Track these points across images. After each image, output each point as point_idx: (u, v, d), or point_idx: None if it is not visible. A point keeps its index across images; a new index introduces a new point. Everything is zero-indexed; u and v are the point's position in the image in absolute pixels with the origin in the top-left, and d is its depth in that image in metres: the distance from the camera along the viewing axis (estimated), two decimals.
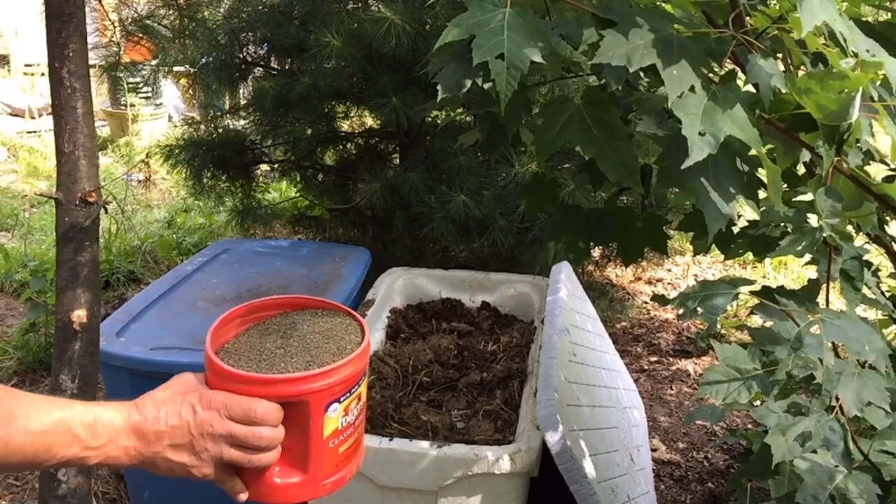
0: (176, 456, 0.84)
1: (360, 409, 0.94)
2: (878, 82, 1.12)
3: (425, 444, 1.66)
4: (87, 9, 1.58)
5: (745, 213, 1.65)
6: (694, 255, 4.10)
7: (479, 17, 1.04)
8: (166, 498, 2.07)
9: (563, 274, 2.21)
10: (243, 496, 0.90)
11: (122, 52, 3.42)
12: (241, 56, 3.33)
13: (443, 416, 1.93)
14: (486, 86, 1.03)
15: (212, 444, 0.85)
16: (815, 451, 1.19)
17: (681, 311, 1.18)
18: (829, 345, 1.12)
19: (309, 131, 3.34)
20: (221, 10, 3.41)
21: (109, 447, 0.82)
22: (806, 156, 1.27)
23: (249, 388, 0.86)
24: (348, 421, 0.92)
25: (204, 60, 3.33)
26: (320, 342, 0.94)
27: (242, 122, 3.67)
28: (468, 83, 1.05)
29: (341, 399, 0.90)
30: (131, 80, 5.64)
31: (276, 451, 0.88)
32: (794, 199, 1.45)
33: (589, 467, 1.53)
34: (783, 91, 1.09)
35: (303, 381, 0.87)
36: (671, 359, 3.22)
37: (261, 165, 3.64)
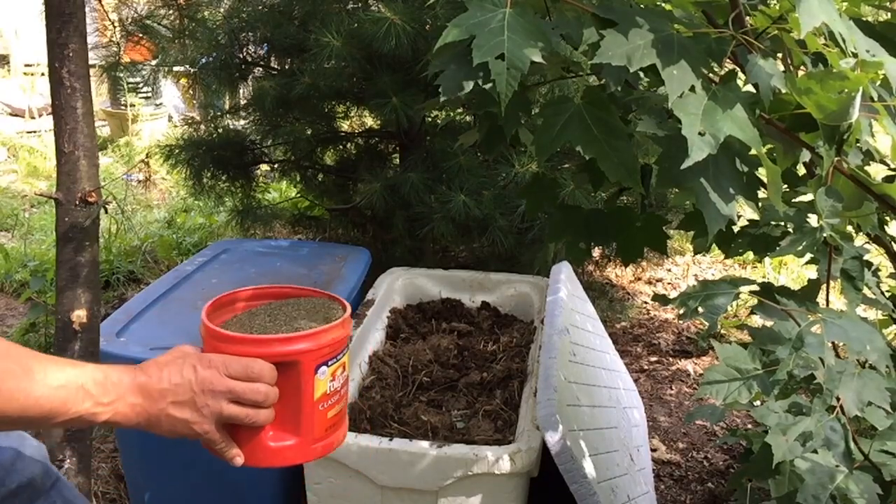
0: (178, 412, 0.89)
1: (344, 379, 1.00)
2: (879, 82, 1.12)
3: (425, 444, 1.66)
4: (87, 9, 1.58)
5: (745, 212, 1.65)
6: (694, 255, 4.10)
7: (479, 17, 1.04)
8: (167, 499, 2.07)
9: (563, 274, 2.22)
10: (239, 460, 0.95)
11: (122, 52, 3.42)
12: (241, 56, 3.33)
13: (443, 416, 1.93)
14: (486, 86, 1.03)
15: (212, 399, 0.90)
16: (815, 451, 1.19)
17: (682, 311, 1.18)
18: (830, 345, 1.12)
19: (309, 131, 3.34)
20: (221, 10, 3.41)
21: (118, 404, 0.87)
22: (806, 156, 1.27)
23: (246, 349, 0.92)
24: (335, 387, 0.97)
25: (204, 60, 3.33)
26: (306, 317, 1.00)
27: (242, 122, 3.66)
28: (469, 85, 1.05)
29: (329, 363, 0.95)
30: (131, 80, 5.64)
31: (271, 411, 0.93)
32: (794, 199, 1.45)
33: (589, 467, 1.53)
34: (783, 91, 1.09)
35: (295, 340, 0.93)
36: (671, 359, 3.22)
37: (261, 165, 3.64)
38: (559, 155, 2.88)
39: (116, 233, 4.10)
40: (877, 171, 1.38)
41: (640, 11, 1.10)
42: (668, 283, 4.00)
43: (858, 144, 1.18)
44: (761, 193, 1.17)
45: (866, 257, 1.24)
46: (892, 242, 1.44)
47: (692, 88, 1.02)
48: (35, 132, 6.32)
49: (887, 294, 1.53)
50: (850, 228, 1.33)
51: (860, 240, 1.38)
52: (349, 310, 1.01)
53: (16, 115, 6.84)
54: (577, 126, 1.14)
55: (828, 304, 1.28)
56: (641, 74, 1.19)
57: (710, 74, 1.10)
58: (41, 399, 0.82)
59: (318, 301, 1.05)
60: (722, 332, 3.34)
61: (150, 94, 6.37)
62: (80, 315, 1.60)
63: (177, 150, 3.40)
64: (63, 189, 1.55)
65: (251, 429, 0.93)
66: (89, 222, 1.58)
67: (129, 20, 3.37)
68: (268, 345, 0.92)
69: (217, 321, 0.98)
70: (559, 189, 1.82)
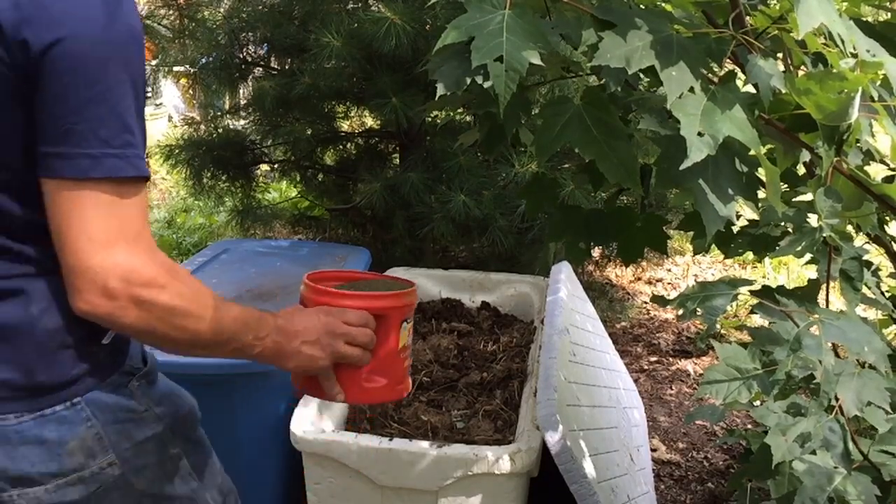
0: (308, 350, 1.09)
1: (411, 339, 1.21)
2: (879, 82, 1.12)
3: (425, 444, 1.66)
4: None
5: (745, 212, 1.65)
6: (694, 255, 4.10)
7: (479, 18, 1.04)
8: None
9: (563, 274, 2.22)
10: (341, 396, 1.15)
11: None
12: (241, 56, 3.34)
13: (443, 416, 1.93)
14: (486, 84, 1.03)
15: (333, 340, 1.10)
16: (814, 452, 1.19)
17: (680, 312, 1.18)
18: (829, 345, 1.12)
19: (309, 131, 3.34)
20: (221, 10, 3.42)
21: (267, 340, 1.06)
22: (806, 156, 1.27)
23: (352, 303, 1.13)
24: (408, 343, 1.19)
25: (204, 60, 3.34)
26: (383, 288, 1.20)
27: (242, 122, 3.67)
28: (468, 80, 1.05)
29: (407, 320, 1.17)
30: None
31: (369, 355, 1.13)
32: (794, 199, 1.44)
33: (589, 467, 1.53)
34: (783, 91, 1.09)
35: (389, 297, 1.16)
36: (671, 359, 3.22)
37: (261, 165, 3.64)
38: (559, 155, 2.88)
39: None
40: (877, 172, 1.38)
41: (639, 12, 1.09)
42: (668, 283, 4.00)
43: (858, 144, 1.18)
44: (760, 194, 1.16)
45: (866, 257, 1.24)
46: (892, 242, 1.44)
47: (691, 89, 1.02)
48: None
49: (887, 294, 1.53)
50: (850, 228, 1.32)
51: (860, 240, 1.38)
52: (416, 285, 1.22)
53: None
54: (576, 127, 1.14)
55: (827, 305, 1.28)
56: (641, 75, 1.19)
57: (710, 75, 1.10)
58: (226, 327, 1.01)
59: (389, 281, 1.27)
60: (722, 332, 3.34)
61: (150, 94, 6.37)
62: None
63: (177, 150, 3.41)
64: None
65: (351, 371, 1.13)
66: None
67: None
68: (369, 300, 1.14)
69: None
70: (559, 189, 1.82)
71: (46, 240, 0.93)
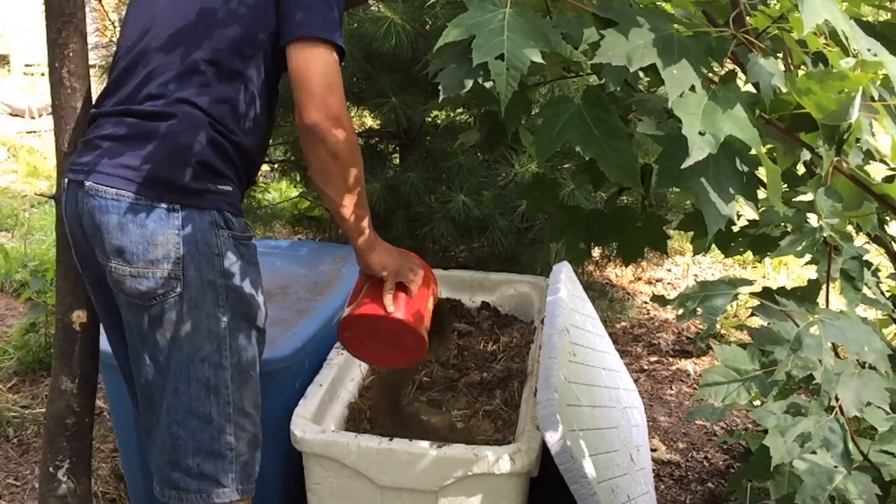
0: (387, 256, 1.54)
1: (429, 316, 1.61)
2: (879, 82, 1.12)
3: (425, 444, 1.66)
4: (87, 9, 1.59)
5: (744, 212, 1.65)
6: (694, 255, 4.10)
7: (480, 17, 1.04)
8: None
9: (563, 274, 2.21)
10: (391, 308, 1.51)
11: None
12: None
13: (443, 416, 1.93)
14: (487, 84, 1.03)
15: (403, 261, 1.56)
16: (814, 452, 1.19)
17: (680, 312, 1.18)
18: (829, 345, 1.12)
19: None
20: None
21: (370, 229, 1.51)
22: (806, 155, 1.27)
23: (415, 257, 1.63)
24: (430, 309, 1.60)
25: None
26: None
27: None
28: (469, 83, 1.05)
29: (433, 295, 1.63)
30: None
31: (417, 286, 1.55)
32: (794, 199, 1.44)
33: (589, 467, 1.53)
34: (783, 91, 1.09)
35: (431, 272, 1.64)
36: (671, 359, 3.22)
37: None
38: (559, 155, 2.87)
39: None
40: (877, 171, 1.38)
41: (640, 11, 1.10)
42: (668, 283, 4.00)
43: (859, 144, 1.18)
44: (760, 193, 1.16)
45: (866, 257, 1.24)
46: (892, 242, 1.44)
47: (692, 88, 1.02)
48: (35, 132, 6.32)
49: (887, 294, 1.53)
50: (850, 228, 1.32)
51: (860, 240, 1.38)
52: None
53: (16, 115, 6.84)
54: (576, 126, 1.14)
55: (828, 305, 1.28)
56: (641, 74, 1.19)
57: (711, 74, 1.10)
58: (363, 196, 1.45)
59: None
60: (722, 332, 3.34)
61: None
62: (80, 315, 1.60)
63: None
64: (63, 189, 1.55)
65: (401, 296, 1.54)
66: None
67: None
68: (423, 261, 1.63)
69: None
70: (559, 189, 1.82)
71: (213, 98, 1.36)
